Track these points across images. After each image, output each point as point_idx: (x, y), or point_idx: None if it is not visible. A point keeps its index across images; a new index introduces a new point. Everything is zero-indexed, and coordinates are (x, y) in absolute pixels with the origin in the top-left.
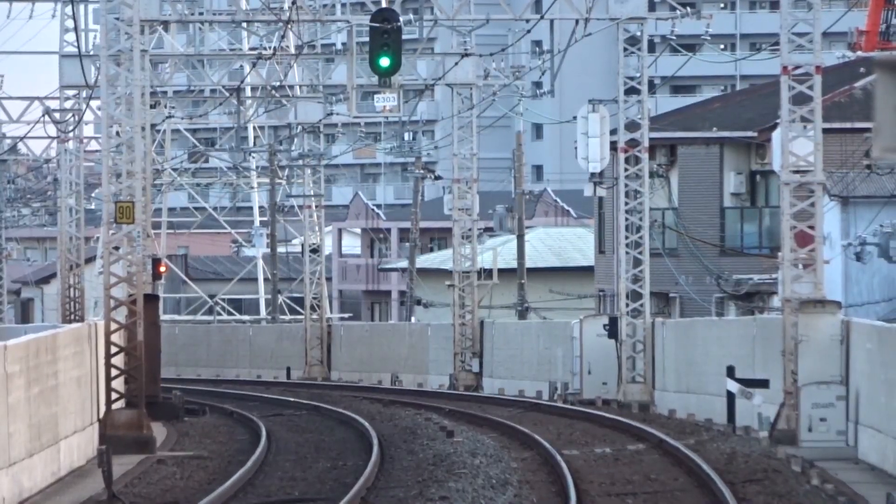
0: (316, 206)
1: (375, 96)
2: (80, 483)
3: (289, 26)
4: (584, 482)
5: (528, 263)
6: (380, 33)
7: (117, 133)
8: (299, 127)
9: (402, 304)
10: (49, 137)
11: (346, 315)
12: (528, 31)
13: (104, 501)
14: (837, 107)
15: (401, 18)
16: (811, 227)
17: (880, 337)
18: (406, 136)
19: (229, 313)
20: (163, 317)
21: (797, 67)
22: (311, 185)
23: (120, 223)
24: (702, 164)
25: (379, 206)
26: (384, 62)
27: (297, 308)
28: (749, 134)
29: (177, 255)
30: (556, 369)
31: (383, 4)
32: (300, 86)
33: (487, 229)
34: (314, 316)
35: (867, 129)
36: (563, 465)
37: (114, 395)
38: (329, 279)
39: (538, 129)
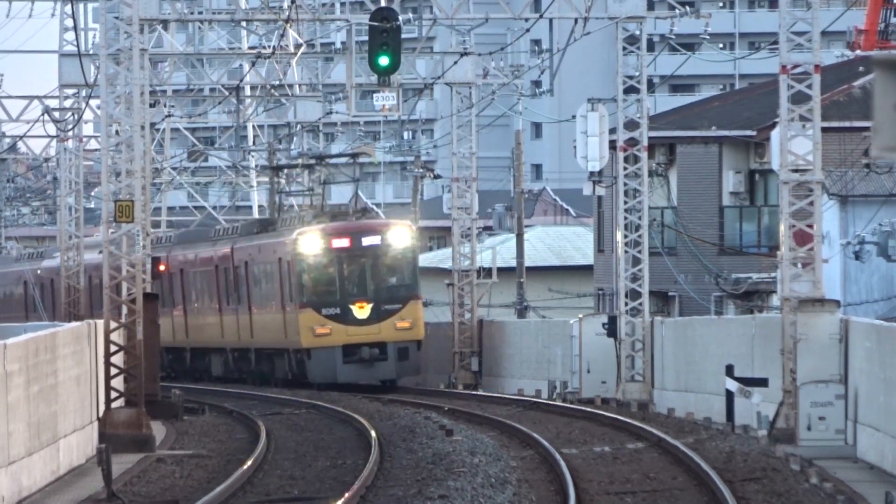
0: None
1: (374, 95)
2: (79, 482)
3: (288, 25)
4: (583, 481)
5: (528, 262)
6: (379, 32)
7: (117, 132)
8: (298, 126)
9: None
10: (48, 136)
11: None
12: (528, 30)
13: (103, 500)
14: (836, 105)
15: (400, 17)
16: (810, 226)
17: (879, 336)
18: (405, 135)
19: None
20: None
21: (796, 66)
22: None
23: (119, 222)
24: (701, 163)
25: (378, 205)
26: (383, 61)
27: None
28: (748, 133)
29: None
30: (555, 368)
31: (382, 3)
32: (299, 85)
33: (486, 228)
34: None
35: (866, 128)
36: (562, 463)
37: (113, 394)
38: None
39: (537, 128)
